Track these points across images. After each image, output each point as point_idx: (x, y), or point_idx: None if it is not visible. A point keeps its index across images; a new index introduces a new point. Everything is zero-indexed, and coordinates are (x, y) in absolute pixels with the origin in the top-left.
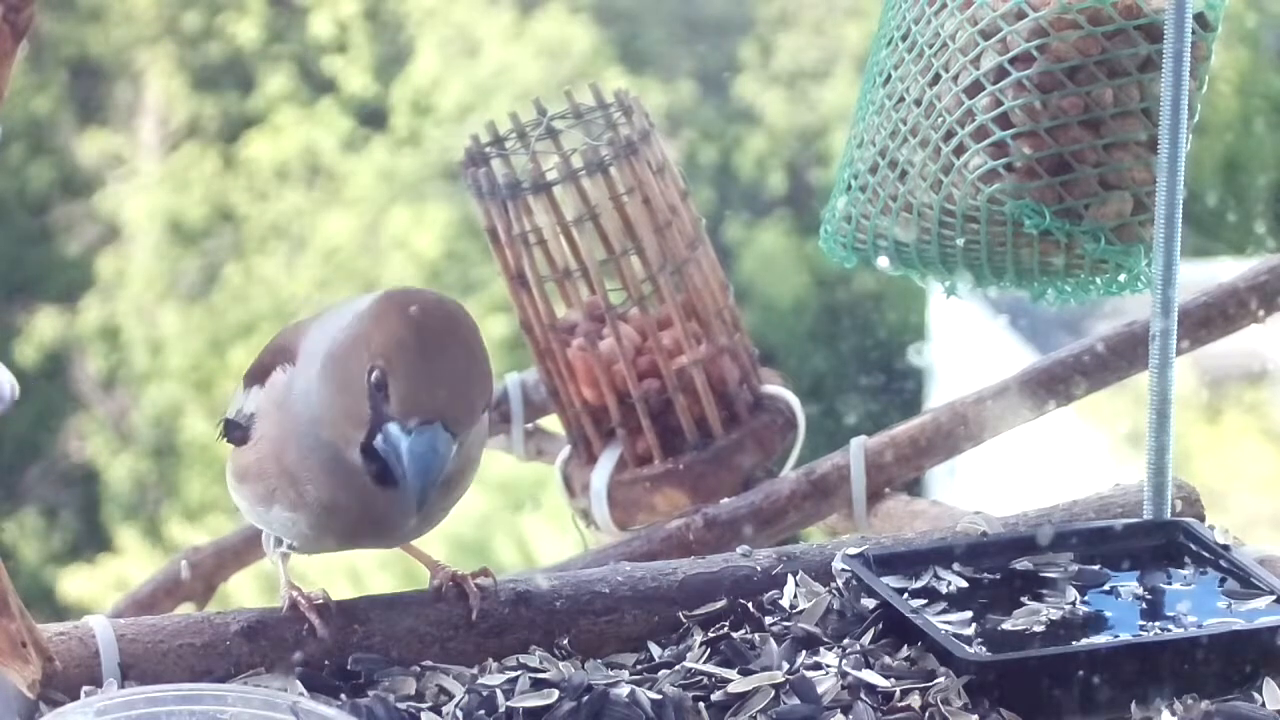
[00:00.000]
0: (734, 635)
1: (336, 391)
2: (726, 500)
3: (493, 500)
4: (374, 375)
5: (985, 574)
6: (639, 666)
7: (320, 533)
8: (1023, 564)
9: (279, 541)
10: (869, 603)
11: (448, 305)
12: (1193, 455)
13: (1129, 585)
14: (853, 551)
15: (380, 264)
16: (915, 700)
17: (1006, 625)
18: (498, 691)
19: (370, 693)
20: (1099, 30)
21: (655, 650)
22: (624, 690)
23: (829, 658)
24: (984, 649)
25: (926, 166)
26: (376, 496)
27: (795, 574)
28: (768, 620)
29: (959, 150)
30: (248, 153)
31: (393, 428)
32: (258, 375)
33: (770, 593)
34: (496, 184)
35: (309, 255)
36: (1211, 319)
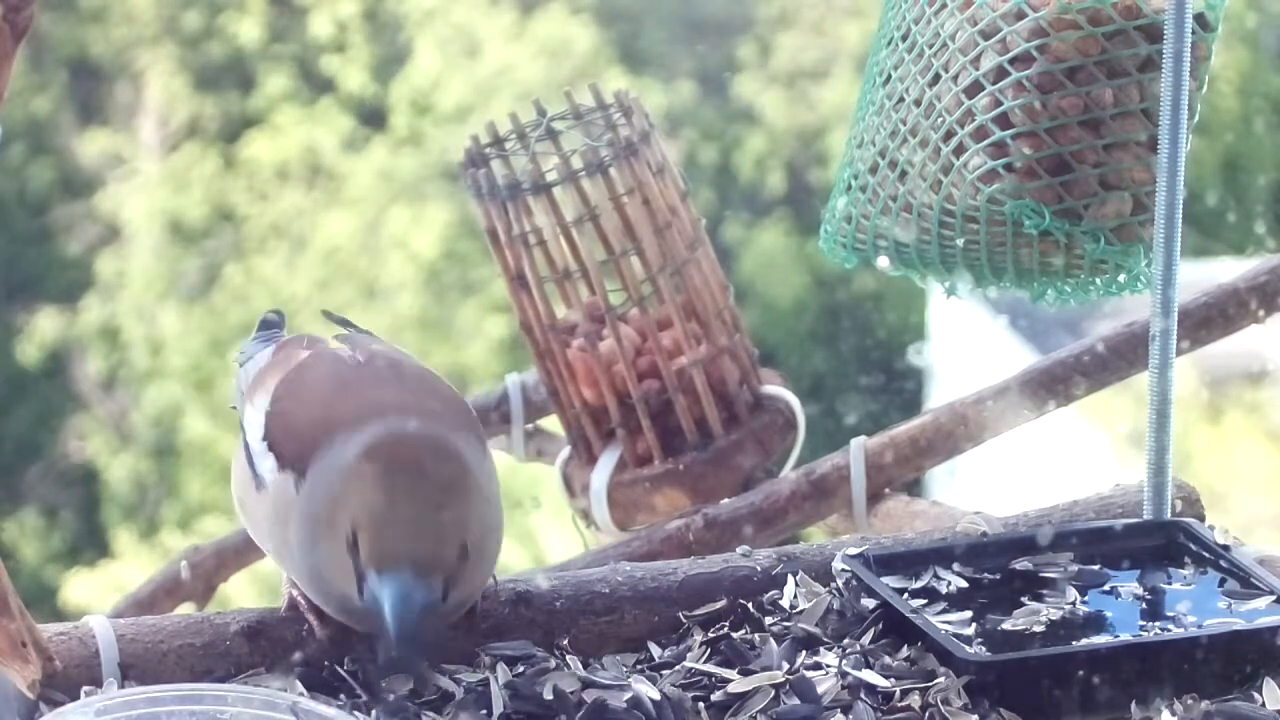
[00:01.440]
0: (734, 635)
1: (327, 554)
2: (726, 500)
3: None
4: (349, 535)
5: (985, 574)
6: (639, 666)
7: None
8: (1023, 564)
9: None
10: (869, 603)
11: (424, 456)
12: (1193, 456)
13: (1129, 585)
14: (853, 551)
15: (380, 264)
16: (915, 700)
17: (1006, 625)
18: (498, 691)
19: (370, 693)
20: (1099, 30)
21: (655, 650)
22: (626, 691)
23: (829, 658)
24: (984, 649)
25: (926, 166)
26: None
27: (795, 574)
28: (768, 620)
29: (959, 150)
30: (248, 153)
31: (370, 579)
32: (280, 451)
33: (770, 593)
34: (496, 185)
35: (309, 255)
36: (1211, 319)
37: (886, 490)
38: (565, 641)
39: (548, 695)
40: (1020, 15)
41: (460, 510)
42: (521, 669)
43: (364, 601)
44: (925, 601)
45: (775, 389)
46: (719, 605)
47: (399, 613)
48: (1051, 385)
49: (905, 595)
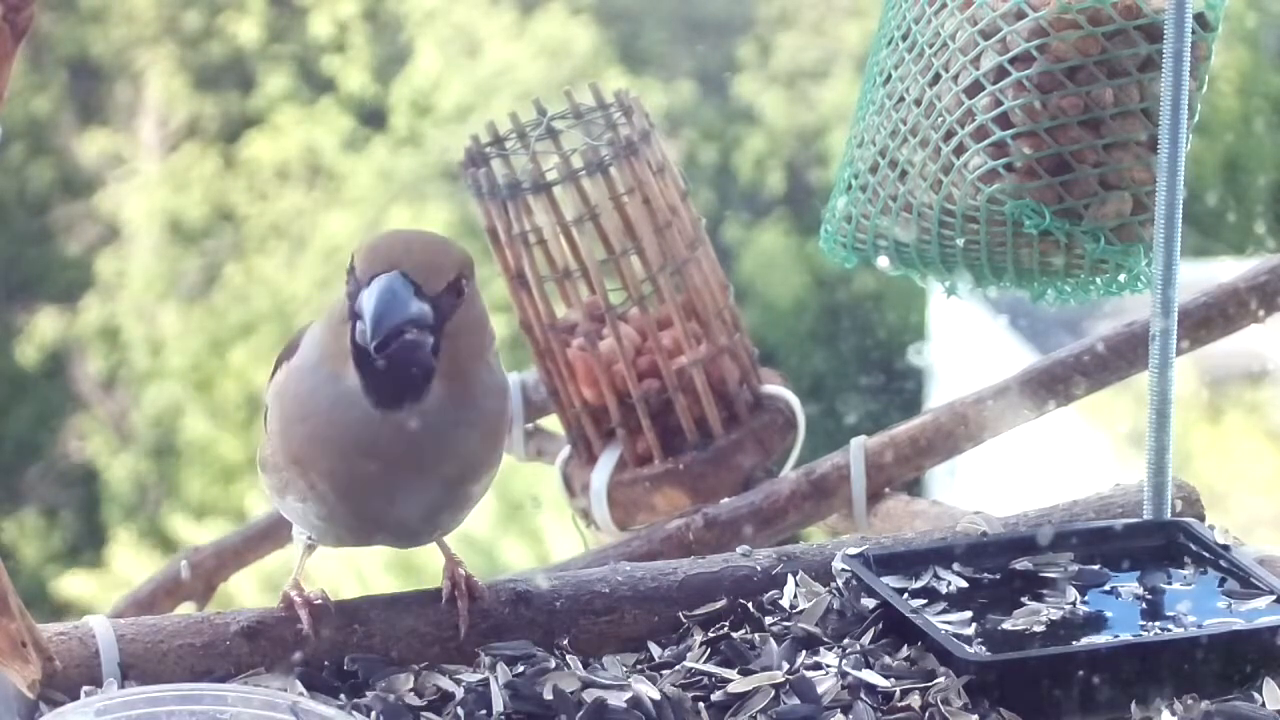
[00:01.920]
0: (734, 635)
1: (328, 327)
2: (726, 500)
3: (500, 501)
4: (348, 267)
5: (985, 574)
6: (639, 666)
7: (332, 523)
8: (1023, 564)
9: (303, 532)
10: (869, 603)
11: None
12: (1193, 456)
13: (1129, 585)
14: (853, 551)
15: None
16: (915, 700)
17: (1006, 625)
18: (498, 691)
19: (369, 693)
20: (1099, 30)
21: (655, 650)
22: (626, 691)
23: (829, 658)
24: (984, 649)
25: (926, 166)
26: (380, 437)
27: (795, 574)
28: (768, 620)
29: (959, 150)
30: (248, 153)
31: (360, 295)
32: (273, 372)
33: (770, 593)
34: (496, 184)
35: (309, 255)
36: (1211, 319)
37: (886, 490)
38: (565, 641)
39: (548, 695)
40: (1020, 15)
41: (459, 250)
42: (521, 669)
43: (355, 324)
44: (925, 601)
45: (775, 389)
46: (719, 605)
47: (381, 302)
48: (1051, 385)
49: (905, 595)
